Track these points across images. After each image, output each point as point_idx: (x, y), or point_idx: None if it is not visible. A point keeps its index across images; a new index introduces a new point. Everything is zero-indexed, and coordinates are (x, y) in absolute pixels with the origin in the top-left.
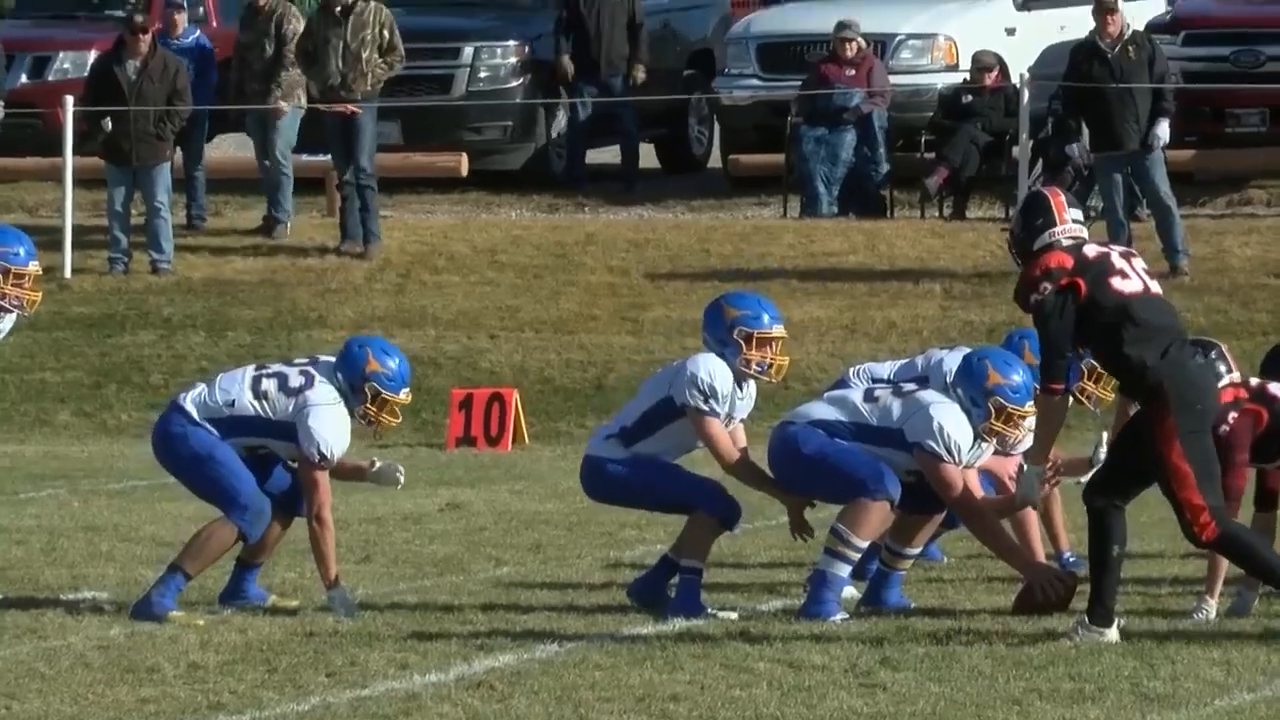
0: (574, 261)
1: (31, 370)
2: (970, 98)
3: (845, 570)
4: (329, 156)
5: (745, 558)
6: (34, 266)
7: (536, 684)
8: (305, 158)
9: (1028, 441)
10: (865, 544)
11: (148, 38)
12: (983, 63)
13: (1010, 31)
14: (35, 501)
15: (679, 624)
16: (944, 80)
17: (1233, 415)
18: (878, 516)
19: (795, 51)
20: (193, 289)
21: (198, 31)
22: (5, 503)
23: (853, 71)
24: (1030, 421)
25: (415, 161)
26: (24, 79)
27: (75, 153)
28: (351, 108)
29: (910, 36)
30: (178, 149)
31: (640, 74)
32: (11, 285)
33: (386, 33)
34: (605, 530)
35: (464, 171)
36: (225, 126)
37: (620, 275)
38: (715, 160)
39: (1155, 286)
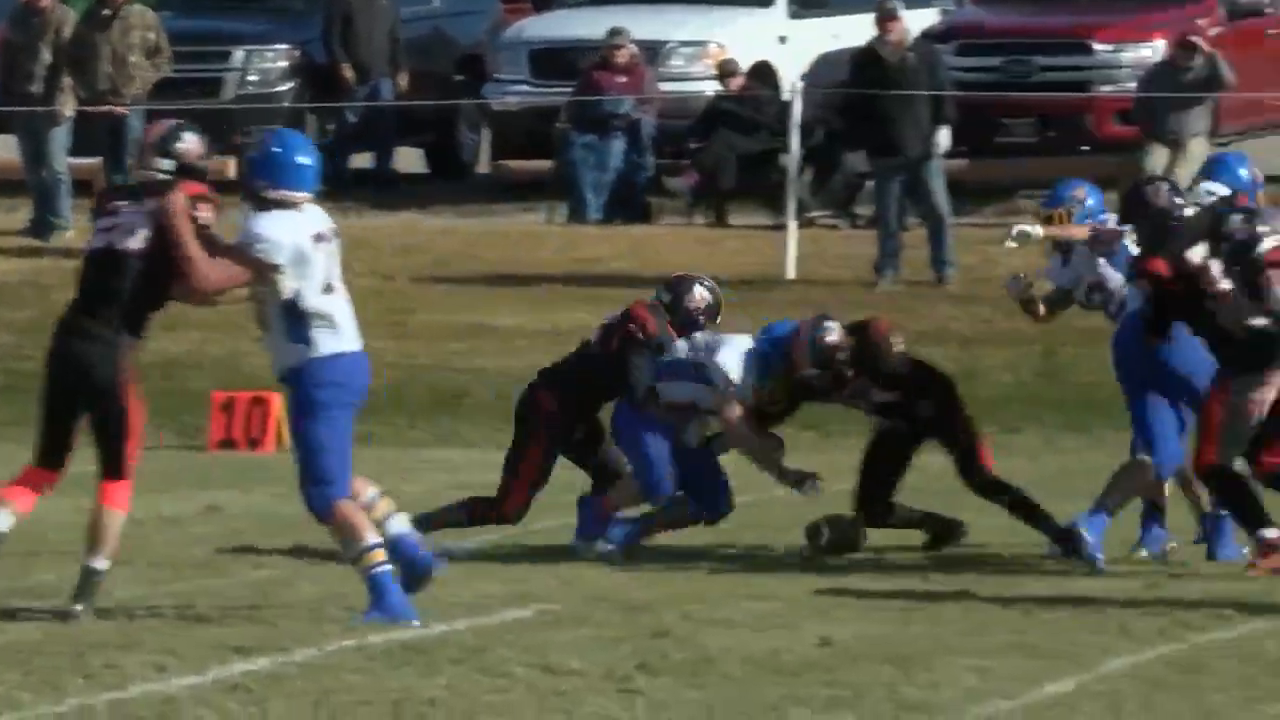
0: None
1: None
2: (726, 104)
3: None
4: (99, 159)
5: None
6: None
7: (293, 687)
8: (73, 160)
9: None
10: None
11: None
12: (728, 69)
13: (783, 39)
14: None
15: (439, 629)
16: (715, 87)
17: None
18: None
19: (567, 58)
20: None
21: None
22: None
23: (624, 78)
24: None
25: None
26: None
27: None
28: (119, 110)
29: (681, 44)
30: None
31: (403, 80)
32: None
33: (153, 35)
34: None
35: (232, 174)
36: None
37: (386, 280)
38: (484, 165)
39: None
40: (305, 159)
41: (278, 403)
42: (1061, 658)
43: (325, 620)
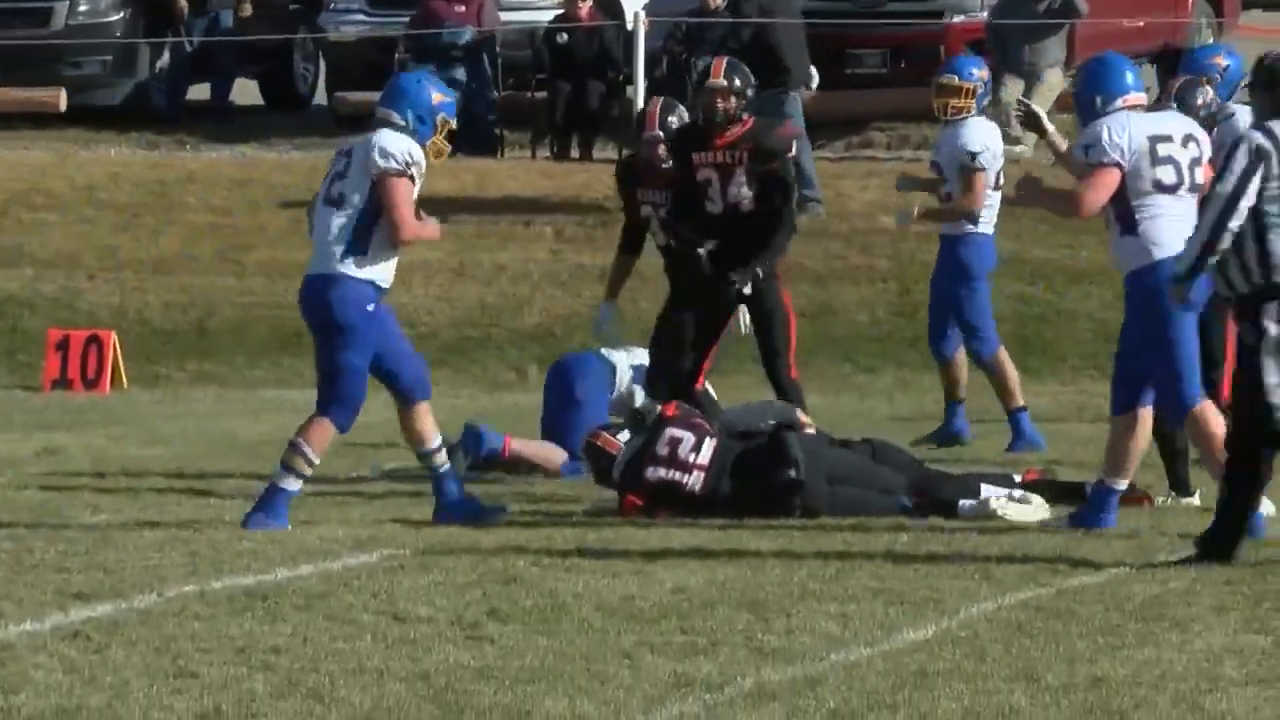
0: (175, 200)
1: None
2: (565, 37)
3: None
4: None
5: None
6: None
7: (134, 634)
8: None
9: None
10: None
11: None
12: None
13: None
14: None
15: (283, 574)
16: (557, 14)
17: None
18: None
19: None
20: None
21: None
22: None
23: (463, 8)
24: None
25: (12, 97)
26: None
27: None
28: None
29: None
30: None
31: (246, 9)
32: None
33: None
34: (207, 478)
35: (62, 107)
36: None
37: (222, 215)
38: (321, 97)
39: None
40: None
41: (114, 341)
42: (923, 603)
43: (166, 565)
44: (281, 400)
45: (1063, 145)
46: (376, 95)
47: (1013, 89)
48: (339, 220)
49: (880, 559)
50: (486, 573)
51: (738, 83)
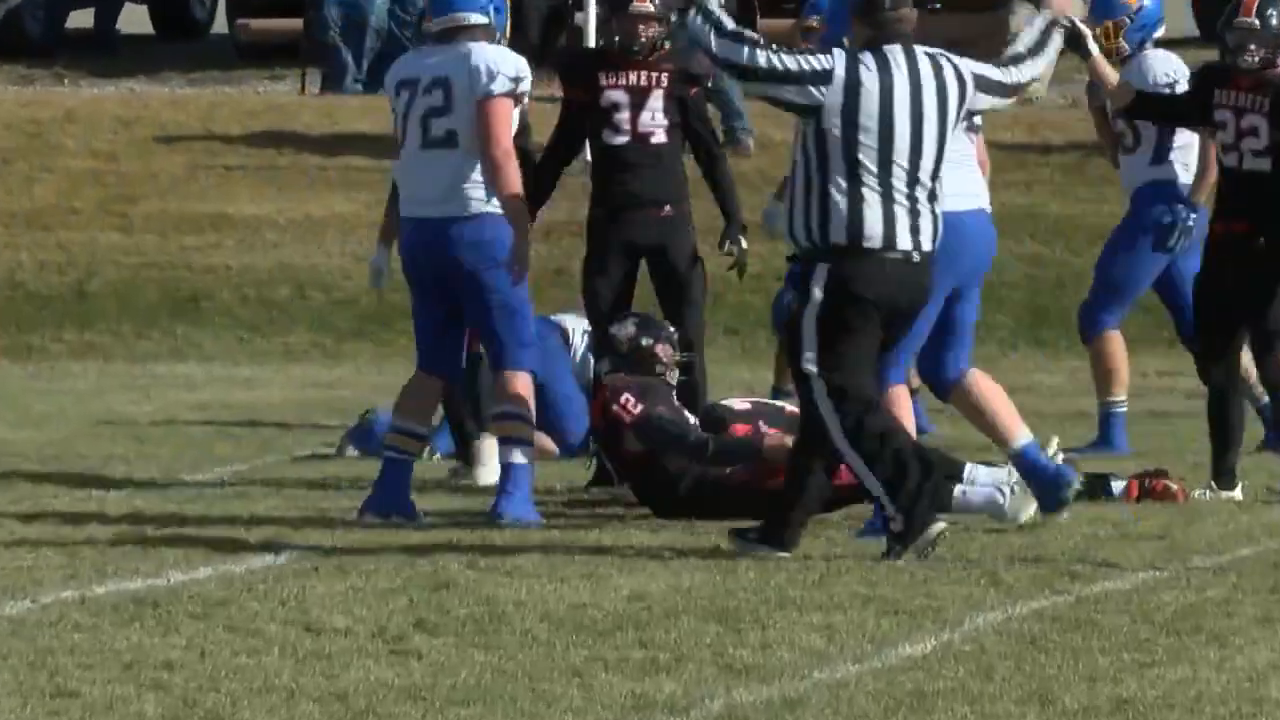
0: (51, 143)
1: None
2: None
3: None
4: None
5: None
6: None
7: (5, 646)
8: None
9: None
10: None
11: None
12: None
13: None
14: None
15: (175, 577)
16: None
17: None
18: None
19: None
20: None
21: None
22: None
23: None
24: None
25: None
26: None
27: None
28: None
29: None
30: None
31: None
32: None
33: None
34: (88, 465)
35: None
36: None
37: (106, 160)
38: (220, 25)
39: None
40: None
41: None
42: (920, 613)
43: (41, 567)
44: (174, 375)
45: (1109, 71)
46: (283, 22)
47: (1022, 14)
48: (460, 159)
49: (871, 561)
50: (413, 577)
51: (662, 7)
